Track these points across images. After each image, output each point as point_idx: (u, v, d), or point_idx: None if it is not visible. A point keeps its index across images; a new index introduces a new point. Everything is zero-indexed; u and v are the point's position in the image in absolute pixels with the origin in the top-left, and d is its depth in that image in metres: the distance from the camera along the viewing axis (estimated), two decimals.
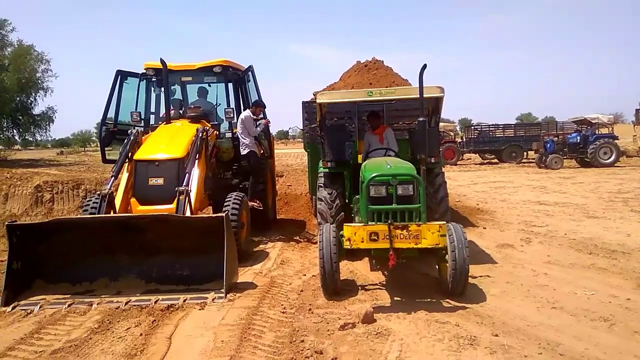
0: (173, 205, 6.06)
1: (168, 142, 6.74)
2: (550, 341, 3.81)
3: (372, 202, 4.85)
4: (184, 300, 4.89)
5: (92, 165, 25.28)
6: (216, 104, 8.38)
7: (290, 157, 31.02)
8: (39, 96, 26.85)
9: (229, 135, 7.96)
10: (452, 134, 30.60)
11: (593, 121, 21.25)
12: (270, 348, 3.78)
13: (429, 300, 4.90)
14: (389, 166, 5.14)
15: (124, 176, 6.53)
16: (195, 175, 6.41)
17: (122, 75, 7.99)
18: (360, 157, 7.10)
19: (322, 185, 6.64)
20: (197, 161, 6.52)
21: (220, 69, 7.85)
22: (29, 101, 26.82)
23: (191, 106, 7.98)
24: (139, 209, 6.24)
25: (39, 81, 26.50)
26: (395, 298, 5.01)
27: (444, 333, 4.02)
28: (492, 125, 28.56)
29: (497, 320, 4.29)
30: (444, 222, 4.70)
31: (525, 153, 26.29)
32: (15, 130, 27.71)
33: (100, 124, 7.93)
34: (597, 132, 21.31)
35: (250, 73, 8.31)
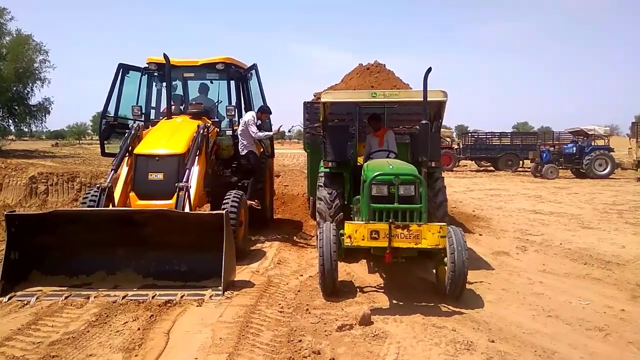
0: (172, 201, 6.05)
1: (169, 137, 6.73)
2: (546, 349, 3.84)
3: (373, 200, 4.88)
4: (182, 297, 4.89)
5: (88, 158, 25.18)
6: (218, 101, 8.37)
7: (287, 157, 31.03)
8: (35, 86, 26.75)
9: (229, 132, 7.96)
10: (448, 140, 30.76)
11: (589, 132, 21.43)
12: (268, 347, 3.78)
13: (425, 304, 4.92)
14: (391, 166, 5.17)
15: (124, 170, 6.52)
16: (195, 172, 6.40)
17: (124, 69, 7.97)
18: (360, 158, 7.13)
19: (322, 185, 6.66)
20: (197, 158, 6.52)
21: (223, 66, 7.85)
22: (26, 91, 26.69)
23: (192, 102, 7.96)
24: (138, 204, 6.23)
25: (37, 71, 26.39)
26: (393, 301, 5.03)
27: (441, 337, 4.04)
28: (489, 133, 28.72)
29: (494, 326, 4.32)
30: (445, 224, 4.73)
31: (521, 162, 26.45)
32: (10, 120, 27.56)
33: (101, 117, 7.91)
34: (593, 144, 21.49)
35: (254, 72, 8.30)
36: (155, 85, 8.31)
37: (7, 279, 5.06)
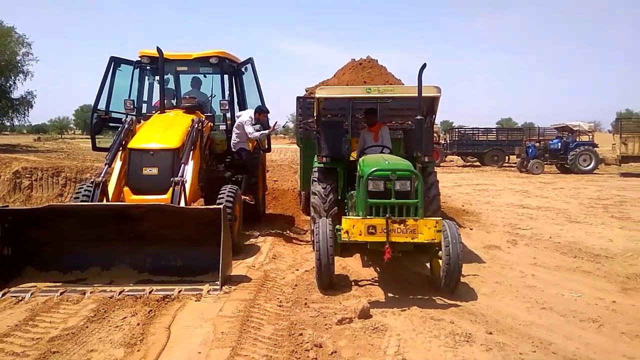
0: (167, 196, 6.03)
1: (163, 131, 6.68)
2: (543, 340, 3.92)
3: (370, 196, 4.91)
4: (179, 292, 4.88)
5: (72, 153, 24.83)
6: (211, 96, 8.32)
7: (274, 152, 30.88)
8: (18, 80, 26.29)
9: (222, 127, 7.93)
10: (436, 135, 30.96)
11: (574, 128, 21.75)
12: (270, 340, 3.81)
13: (421, 297, 4.98)
14: (387, 162, 5.21)
15: (117, 164, 6.46)
16: (190, 167, 6.37)
17: (115, 62, 7.88)
18: (353, 153, 7.17)
19: (316, 179, 6.68)
20: (192, 152, 6.48)
21: (217, 60, 7.81)
22: (8, 85, 26.21)
23: (186, 96, 7.91)
24: (132, 198, 6.19)
25: (19, 64, 25.94)
26: (389, 294, 5.09)
27: (440, 330, 4.11)
28: (476, 128, 28.98)
29: (490, 318, 4.40)
30: (440, 218, 4.79)
31: (507, 157, 26.74)
32: None
33: (92, 110, 7.81)
34: (577, 140, 21.82)
35: (249, 66, 8.25)
36: (148, 79, 8.23)
37: (0, 275, 5.00)
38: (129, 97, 7.86)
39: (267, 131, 7.97)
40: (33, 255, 5.37)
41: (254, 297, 4.77)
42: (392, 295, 5.07)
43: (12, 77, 26.03)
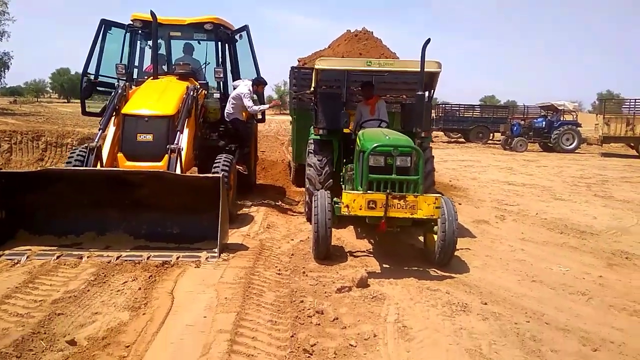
0: (162, 163, 5.98)
1: (158, 98, 6.56)
2: (536, 311, 4.07)
3: (371, 171, 4.94)
4: (177, 258, 4.90)
5: (51, 117, 24.35)
6: (205, 63, 8.17)
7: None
8: None
9: (216, 95, 7.82)
10: None
11: (559, 107, 22.02)
12: (273, 306, 3.87)
13: (416, 268, 5.10)
14: (387, 137, 5.23)
15: (111, 130, 6.35)
16: (185, 135, 6.31)
17: (106, 25, 7.66)
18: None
19: (312, 151, 6.67)
20: (187, 120, 6.41)
21: (212, 27, 7.64)
22: None
23: (180, 62, 7.74)
24: (126, 165, 6.11)
25: None
26: (384, 265, 5.19)
27: (436, 300, 4.23)
28: (463, 105, 29.11)
29: (484, 290, 4.54)
30: (440, 195, 4.86)
31: (491, 134, 27.01)
32: None
33: (82, 74, 7.62)
34: (562, 119, 22.12)
35: (245, 34, 8.09)
36: (140, 44, 8.03)
37: None
38: (121, 61, 7.67)
39: (266, 106, 7.91)
40: (27, 218, 5.31)
41: (252, 265, 4.82)
42: (387, 266, 5.17)
43: None
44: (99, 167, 5.87)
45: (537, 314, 4.00)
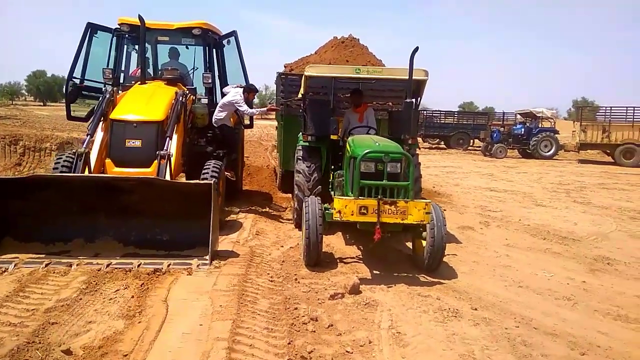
0: (151, 169, 5.95)
1: (146, 103, 6.53)
2: (524, 316, 4.17)
3: (362, 177, 5.01)
4: (169, 265, 4.88)
5: (28, 121, 23.70)
6: (194, 68, 8.15)
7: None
8: None
9: (204, 100, 7.80)
10: None
11: (538, 115, 22.49)
12: (268, 314, 3.90)
13: (406, 274, 5.18)
14: (377, 144, 5.30)
15: (99, 135, 6.30)
16: (174, 140, 6.29)
17: (92, 29, 7.59)
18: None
19: (300, 158, 6.71)
20: (176, 126, 6.39)
21: (200, 32, 7.65)
22: None
23: (167, 67, 7.71)
24: (115, 171, 6.06)
25: None
26: (374, 272, 5.25)
27: (428, 305, 4.30)
28: (442, 111, 29.49)
29: (473, 295, 4.63)
30: (430, 201, 4.95)
31: (471, 140, 27.40)
32: None
33: (67, 78, 7.52)
34: (540, 126, 22.61)
35: (233, 39, 8.10)
36: (127, 48, 7.98)
37: None
38: (107, 65, 7.61)
39: (264, 109, 8.02)
40: (13, 226, 5.23)
41: (245, 272, 4.83)
42: (377, 272, 5.23)
43: None
44: (87, 173, 5.81)
45: (525, 319, 4.11)
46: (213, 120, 7.65)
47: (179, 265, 4.94)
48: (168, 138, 6.08)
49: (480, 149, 24.48)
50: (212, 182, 5.23)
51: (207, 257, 5.07)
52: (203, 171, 6.40)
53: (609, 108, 20.93)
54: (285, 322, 3.76)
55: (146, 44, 7.98)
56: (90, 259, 5.00)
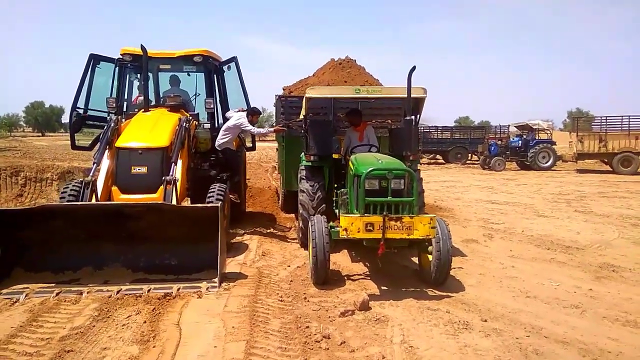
0: (157, 195, 6.01)
1: (150, 130, 6.64)
2: (534, 325, 4.21)
3: (367, 194, 5.08)
4: (178, 289, 4.92)
5: (28, 152, 23.90)
6: (195, 94, 8.30)
7: None
8: None
9: (207, 125, 7.92)
10: None
11: (534, 127, 22.70)
12: (281, 333, 3.93)
13: (413, 289, 5.21)
14: (380, 161, 5.40)
15: (104, 163, 6.38)
16: (179, 165, 6.38)
17: (95, 60, 7.76)
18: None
19: (304, 177, 6.80)
20: (180, 151, 6.49)
21: (201, 59, 7.81)
22: None
23: (170, 95, 7.85)
24: (121, 198, 6.12)
25: None
26: (382, 287, 5.28)
27: (438, 319, 4.33)
28: (438, 127, 29.75)
29: (482, 307, 4.66)
30: (434, 215, 5.02)
31: (469, 155, 27.59)
32: None
33: (71, 109, 7.65)
34: (537, 138, 22.80)
35: (233, 65, 8.27)
36: (129, 77, 8.13)
37: None
38: (110, 95, 7.75)
39: (271, 129, 8.23)
40: (23, 256, 5.28)
41: (254, 293, 4.87)
42: (385, 288, 5.27)
43: None
44: (94, 201, 5.88)
45: (535, 328, 4.14)
46: (217, 143, 7.76)
47: (188, 288, 4.98)
48: (173, 163, 6.17)
49: (478, 162, 24.63)
50: (218, 204, 5.30)
51: (216, 280, 5.11)
52: (208, 194, 6.47)
53: (605, 118, 21.15)
54: (298, 340, 3.79)
55: (149, 72, 8.16)
56: (100, 286, 5.05)
